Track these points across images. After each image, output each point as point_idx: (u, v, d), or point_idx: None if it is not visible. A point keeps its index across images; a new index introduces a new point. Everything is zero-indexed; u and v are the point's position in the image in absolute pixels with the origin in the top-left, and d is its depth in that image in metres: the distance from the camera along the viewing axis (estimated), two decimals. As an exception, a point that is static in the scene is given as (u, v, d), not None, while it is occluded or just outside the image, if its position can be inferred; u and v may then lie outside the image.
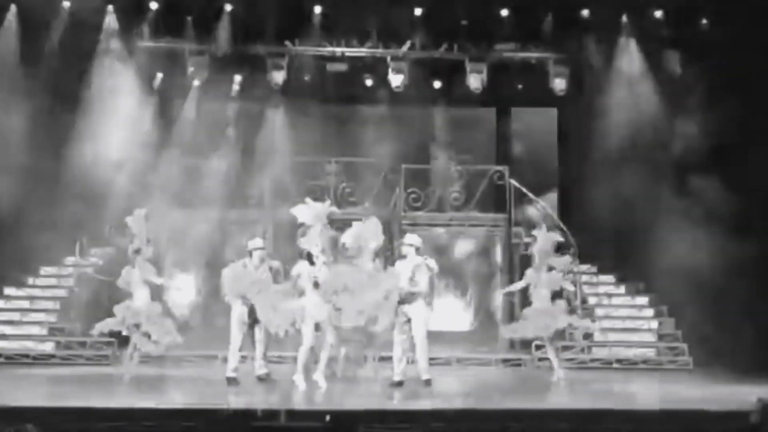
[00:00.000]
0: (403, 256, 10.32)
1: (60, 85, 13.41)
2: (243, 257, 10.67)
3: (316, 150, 15.13)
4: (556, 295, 11.09)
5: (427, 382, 9.98)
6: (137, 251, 10.57)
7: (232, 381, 10.25)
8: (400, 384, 9.99)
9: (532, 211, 14.51)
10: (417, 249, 10.21)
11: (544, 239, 11.04)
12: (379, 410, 8.61)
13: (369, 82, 15.53)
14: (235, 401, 9.26)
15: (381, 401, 9.34)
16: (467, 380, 11.51)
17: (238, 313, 10.34)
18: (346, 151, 15.13)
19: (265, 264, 10.49)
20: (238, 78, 15.14)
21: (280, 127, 15.08)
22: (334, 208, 10.27)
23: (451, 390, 10.54)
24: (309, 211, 9.96)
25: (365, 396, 9.67)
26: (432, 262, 10.30)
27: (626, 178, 13.51)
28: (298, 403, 9.26)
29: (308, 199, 10.22)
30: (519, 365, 12.79)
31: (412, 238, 10.41)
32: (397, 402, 9.37)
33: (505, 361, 12.86)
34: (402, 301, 9.92)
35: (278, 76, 14.32)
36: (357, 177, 14.80)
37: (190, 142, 14.75)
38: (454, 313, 14.30)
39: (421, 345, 10.02)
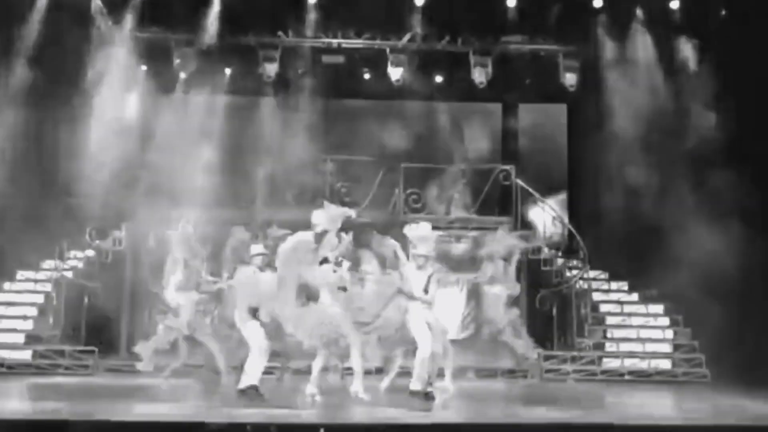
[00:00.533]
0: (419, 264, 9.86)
1: (40, 78, 13.24)
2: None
3: (310, 147, 14.88)
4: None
5: (429, 396, 9.59)
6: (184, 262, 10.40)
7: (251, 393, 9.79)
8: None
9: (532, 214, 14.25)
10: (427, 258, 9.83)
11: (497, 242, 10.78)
12: (377, 424, 8.41)
13: (367, 76, 15.38)
14: (222, 415, 8.92)
15: (378, 413, 9.02)
16: (471, 392, 11.13)
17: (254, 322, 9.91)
18: (343, 149, 14.95)
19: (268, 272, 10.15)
20: (228, 71, 14.96)
21: (273, 123, 14.75)
22: (352, 212, 9.97)
23: (455, 402, 10.16)
24: (324, 215, 9.69)
25: (360, 408, 9.32)
26: (443, 273, 9.98)
27: (640, 178, 13.34)
28: (289, 416, 8.92)
29: (326, 204, 9.92)
30: (525, 377, 12.51)
31: (425, 248, 9.87)
32: (396, 415, 9.01)
33: (510, 372, 12.58)
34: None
35: (271, 69, 14.17)
36: (354, 176, 14.59)
37: (176, 139, 14.43)
38: (454, 320, 13.97)
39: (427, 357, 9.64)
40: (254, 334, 9.66)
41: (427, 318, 9.49)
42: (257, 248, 10.32)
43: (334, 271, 9.49)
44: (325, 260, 9.63)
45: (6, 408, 9.17)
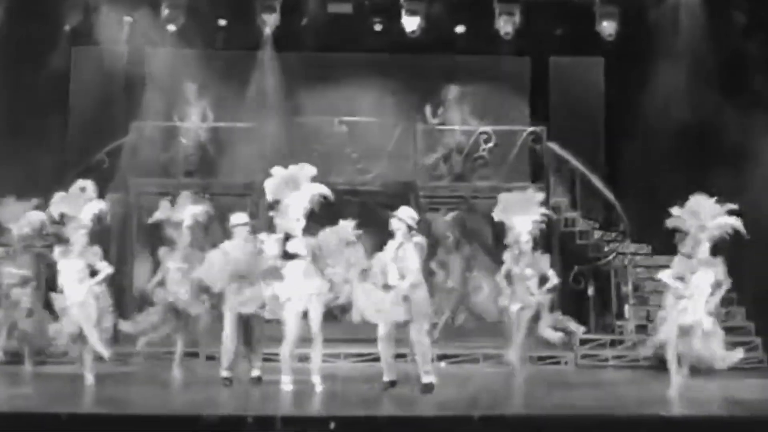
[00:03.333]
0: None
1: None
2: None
3: (315, 108, 14.94)
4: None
5: (428, 387, 9.78)
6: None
7: (227, 381, 10.15)
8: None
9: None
10: (409, 226, 9.86)
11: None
12: (393, 417, 8.52)
13: (378, 27, 15.22)
14: (222, 406, 9.12)
15: (391, 406, 9.18)
16: (496, 380, 11.29)
17: (231, 304, 10.16)
18: (352, 110, 14.91)
19: (251, 243, 10.29)
20: (222, 22, 14.90)
21: (273, 82, 14.79)
22: (311, 169, 9.95)
23: (476, 393, 10.34)
24: (275, 181, 9.83)
25: (372, 400, 9.50)
26: (421, 240, 9.99)
27: (687, 142, 13.27)
28: (296, 408, 9.08)
29: (274, 168, 10.01)
30: (558, 363, 12.61)
31: (405, 211, 10.02)
32: (409, 407, 9.16)
33: (540, 359, 12.64)
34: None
35: (270, 20, 14.10)
36: (365, 140, 14.61)
37: (163, 102, 14.55)
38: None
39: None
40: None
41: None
42: (240, 217, 10.49)
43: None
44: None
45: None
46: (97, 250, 10.36)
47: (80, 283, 10.16)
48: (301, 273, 9.73)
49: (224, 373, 10.22)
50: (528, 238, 10.93)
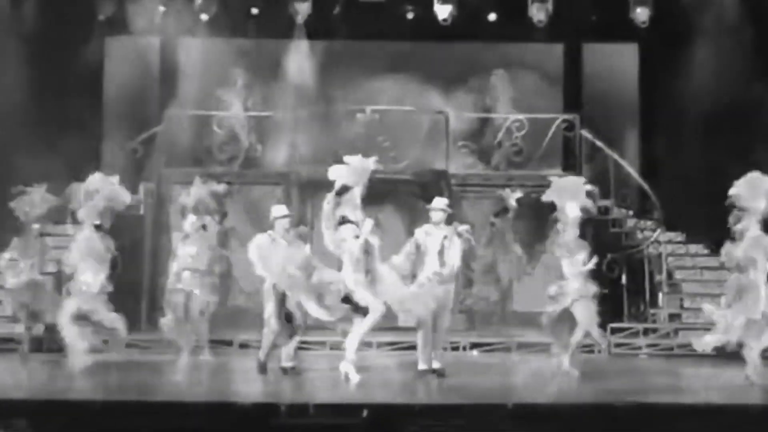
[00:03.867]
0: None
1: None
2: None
3: (347, 97, 14.92)
4: None
5: (440, 372, 9.87)
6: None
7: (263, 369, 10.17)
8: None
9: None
10: (444, 213, 10.01)
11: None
12: (428, 404, 8.46)
13: (410, 15, 15.22)
14: (253, 394, 9.13)
15: (424, 394, 9.18)
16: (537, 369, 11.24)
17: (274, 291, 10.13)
18: (383, 98, 14.89)
19: (291, 235, 10.29)
20: (254, 11, 14.91)
21: (304, 70, 14.80)
22: (378, 165, 9.98)
23: (511, 381, 10.36)
24: (348, 170, 9.71)
25: (403, 388, 9.53)
26: (466, 231, 10.03)
27: (722, 128, 13.15)
28: (328, 396, 9.08)
29: (347, 157, 9.93)
30: (591, 352, 12.53)
31: (440, 202, 10.20)
32: (443, 395, 9.15)
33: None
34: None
35: (302, 8, 14.17)
36: (396, 128, 14.52)
37: (196, 91, 14.60)
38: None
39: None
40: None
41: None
42: (281, 209, 10.49)
43: (357, 236, 9.40)
44: (344, 220, 9.58)
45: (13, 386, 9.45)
46: None
47: None
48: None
49: (261, 359, 10.21)
50: (576, 223, 10.76)
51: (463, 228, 10.15)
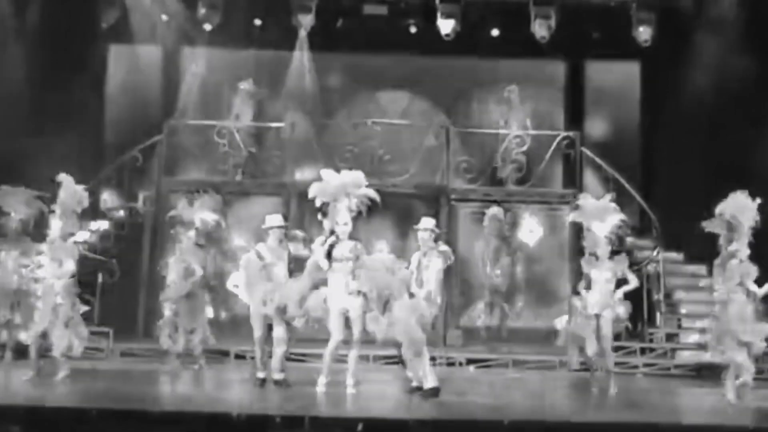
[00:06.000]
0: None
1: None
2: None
3: (349, 109, 14.95)
4: None
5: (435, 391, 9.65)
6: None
7: (262, 382, 10.12)
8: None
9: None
10: (433, 234, 9.91)
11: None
12: (423, 420, 8.36)
13: (413, 29, 15.26)
14: (248, 406, 9.09)
15: (419, 409, 9.09)
16: (533, 385, 11.32)
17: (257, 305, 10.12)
18: (385, 111, 14.91)
19: (283, 245, 10.24)
20: (257, 22, 14.96)
21: (307, 82, 14.82)
22: (360, 176, 9.80)
23: (509, 397, 10.31)
24: (326, 187, 9.67)
25: (398, 402, 9.50)
26: (446, 249, 10.00)
27: (723, 148, 13.15)
28: (324, 409, 9.04)
29: (324, 172, 9.86)
30: (587, 370, 12.48)
31: (428, 222, 10.06)
32: (439, 411, 9.11)
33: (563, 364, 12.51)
34: None
35: (306, 20, 14.18)
36: (397, 141, 14.55)
37: (199, 100, 14.63)
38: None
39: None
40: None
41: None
42: (276, 219, 10.39)
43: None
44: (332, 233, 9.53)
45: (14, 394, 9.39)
46: None
47: None
48: (347, 276, 9.66)
49: (259, 374, 10.15)
50: (606, 242, 10.73)
51: (444, 248, 10.06)
